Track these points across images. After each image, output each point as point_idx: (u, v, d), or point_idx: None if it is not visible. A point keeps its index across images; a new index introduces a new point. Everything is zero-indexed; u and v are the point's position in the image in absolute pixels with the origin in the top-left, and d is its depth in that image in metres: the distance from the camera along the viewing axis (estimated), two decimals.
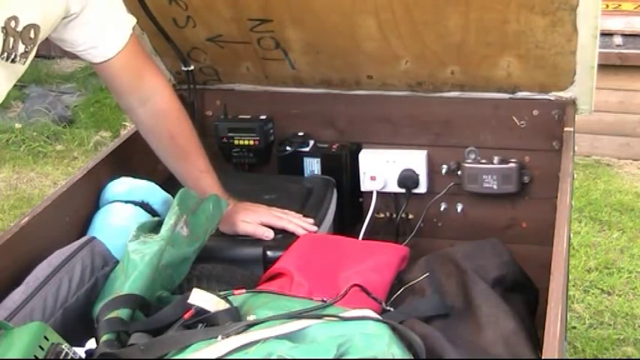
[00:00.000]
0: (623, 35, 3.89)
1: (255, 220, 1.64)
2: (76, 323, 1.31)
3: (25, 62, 1.39)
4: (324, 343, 1.11)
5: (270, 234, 1.63)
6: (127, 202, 1.58)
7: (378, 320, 1.19)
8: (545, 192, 1.80)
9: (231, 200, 1.64)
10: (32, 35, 1.38)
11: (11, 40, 1.34)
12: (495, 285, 1.38)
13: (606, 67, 3.43)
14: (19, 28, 1.35)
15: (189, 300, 1.22)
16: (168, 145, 1.63)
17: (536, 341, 1.29)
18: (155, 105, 1.59)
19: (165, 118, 1.61)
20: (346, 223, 1.94)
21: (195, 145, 1.65)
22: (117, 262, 1.41)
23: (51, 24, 1.43)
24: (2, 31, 1.32)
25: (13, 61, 1.36)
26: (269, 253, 1.57)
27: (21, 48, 1.36)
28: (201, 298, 1.22)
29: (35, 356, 1.09)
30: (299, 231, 1.63)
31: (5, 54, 1.34)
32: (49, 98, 4.81)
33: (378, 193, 1.93)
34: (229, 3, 1.77)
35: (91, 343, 1.23)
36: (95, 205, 1.60)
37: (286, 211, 1.68)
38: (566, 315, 2.00)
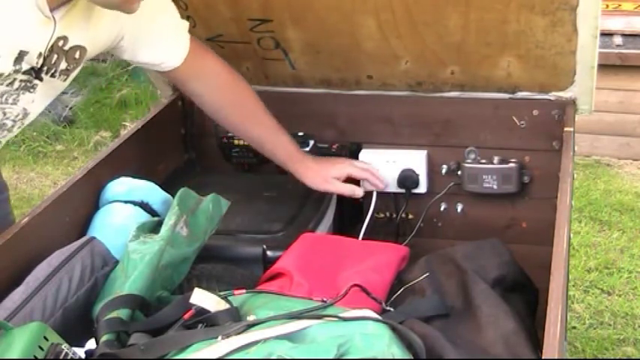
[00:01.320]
0: (623, 35, 3.89)
1: (343, 173, 1.76)
2: (76, 323, 1.31)
3: (65, 80, 1.46)
4: (324, 343, 1.11)
5: (360, 192, 1.77)
6: (126, 202, 1.58)
7: (378, 320, 1.19)
8: (545, 192, 1.80)
9: (305, 156, 1.76)
10: (77, 56, 1.43)
11: (55, 56, 1.39)
12: (495, 285, 1.38)
13: (606, 67, 3.42)
14: (66, 48, 1.40)
15: (189, 300, 1.22)
16: (241, 111, 1.73)
17: (536, 341, 1.28)
18: (220, 82, 1.70)
19: (232, 88, 1.72)
20: (346, 223, 1.94)
21: (264, 108, 1.74)
22: (117, 262, 1.41)
23: (99, 48, 1.49)
24: (48, 49, 1.36)
25: (52, 75, 1.41)
26: (269, 253, 1.57)
27: (62, 65, 1.42)
28: (201, 298, 1.22)
29: (35, 356, 1.09)
30: (379, 185, 1.80)
31: (45, 67, 1.37)
32: None
33: (378, 193, 1.93)
34: (229, 3, 1.77)
35: (91, 344, 1.23)
36: (95, 205, 1.60)
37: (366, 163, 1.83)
38: (566, 315, 2.00)
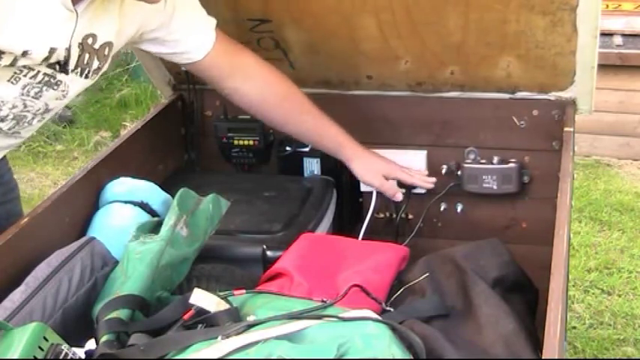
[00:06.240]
0: (623, 35, 3.88)
1: (392, 174, 1.79)
2: (76, 324, 1.31)
3: (95, 78, 1.46)
4: (324, 343, 1.11)
5: (400, 196, 1.80)
6: (126, 202, 1.58)
7: (378, 321, 1.19)
8: (545, 192, 1.80)
9: (357, 144, 1.76)
10: (106, 52, 1.44)
11: (87, 56, 1.39)
12: (495, 285, 1.38)
13: (606, 67, 3.42)
14: (97, 46, 1.40)
15: (189, 300, 1.22)
16: (285, 104, 1.71)
17: (536, 341, 1.28)
18: (259, 76, 1.68)
19: (273, 83, 1.70)
20: (346, 223, 1.94)
21: (307, 99, 1.72)
22: (116, 262, 1.41)
23: (122, 41, 1.49)
24: (79, 47, 1.36)
25: (86, 76, 1.43)
26: (269, 253, 1.57)
27: (95, 64, 1.42)
28: (201, 299, 1.22)
29: (35, 357, 1.09)
30: (429, 186, 1.83)
31: (79, 69, 1.39)
32: None
33: (377, 193, 1.92)
34: (229, 3, 1.77)
35: (91, 344, 1.23)
36: (95, 205, 1.60)
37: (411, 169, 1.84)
38: (566, 315, 2.00)
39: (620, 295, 2.83)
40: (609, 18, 3.90)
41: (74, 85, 1.42)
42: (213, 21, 1.63)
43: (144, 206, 1.58)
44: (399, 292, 1.42)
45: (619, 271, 2.97)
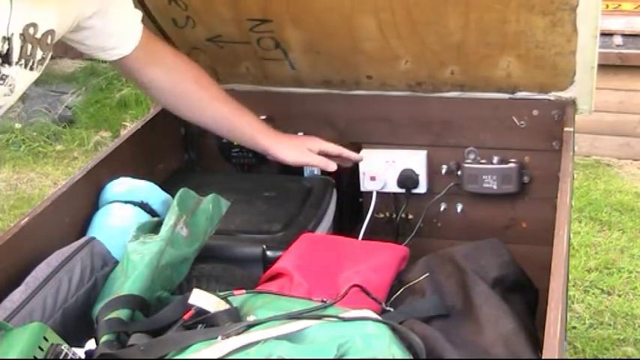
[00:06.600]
0: (623, 35, 3.89)
1: (316, 146, 1.74)
2: (76, 324, 1.31)
3: (40, 69, 1.41)
4: (324, 343, 1.11)
5: (334, 166, 1.74)
6: (126, 202, 1.58)
7: (378, 321, 1.19)
8: (545, 192, 1.80)
9: (275, 130, 1.73)
10: (49, 41, 1.39)
11: (29, 46, 1.35)
12: (495, 285, 1.38)
13: (606, 67, 3.43)
14: (38, 35, 1.36)
15: (189, 300, 1.22)
16: (198, 90, 1.67)
17: (536, 341, 1.28)
18: (174, 67, 1.65)
19: (186, 72, 1.67)
20: (346, 223, 1.94)
21: (221, 89, 1.71)
22: (116, 262, 1.41)
23: (64, 29, 1.44)
24: (20, 38, 1.32)
25: (31, 68, 1.38)
26: (269, 253, 1.57)
27: (39, 55, 1.38)
28: (201, 299, 1.22)
29: (35, 357, 1.09)
30: (355, 158, 1.80)
31: (23, 60, 1.35)
32: (49, 98, 4.81)
33: (377, 193, 1.93)
34: (229, 3, 1.77)
35: (91, 344, 1.23)
36: (95, 206, 1.60)
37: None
38: (566, 315, 2.00)
39: (620, 295, 2.83)
40: (609, 18, 3.90)
41: (20, 78, 1.37)
42: (139, 13, 1.61)
43: (144, 206, 1.58)
44: (399, 292, 1.42)
45: (619, 271, 2.97)
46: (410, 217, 1.96)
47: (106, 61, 1.71)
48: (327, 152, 1.76)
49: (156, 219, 1.51)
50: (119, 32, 1.56)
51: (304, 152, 1.74)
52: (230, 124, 1.71)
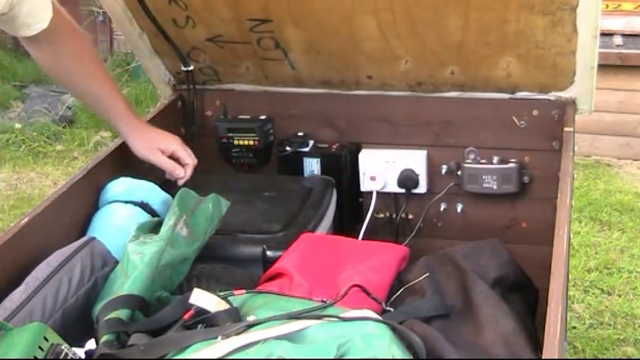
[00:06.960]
0: (623, 35, 3.89)
1: (169, 148, 1.71)
2: (76, 324, 1.31)
3: None
4: (325, 343, 1.11)
5: (181, 173, 1.70)
6: (126, 202, 1.58)
7: (378, 321, 1.19)
8: (545, 192, 1.80)
9: (139, 121, 1.70)
10: None
11: None
12: (495, 285, 1.38)
13: (606, 67, 3.43)
14: None
15: (189, 300, 1.22)
16: (78, 65, 1.63)
17: (536, 341, 1.28)
18: (66, 37, 1.60)
19: (73, 43, 1.62)
20: (346, 223, 1.94)
21: (102, 67, 1.69)
22: (116, 262, 1.41)
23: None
24: None
25: None
26: (269, 253, 1.57)
27: None
28: (201, 299, 1.22)
29: (35, 357, 1.09)
30: (187, 172, 1.71)
31: None
32: (49, 98, 4.82)
33: (377, 193, 1.93)
34: (229, 3, 1.77)
35: (91, 344, 1.23)
36: (95, 205, 1.60)
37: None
38: (566, 315, 2.00)
39: (620, 295, 2.83)
40: (609, 18, 3.90)
41: None
42: None
43: (144, 206, 1.58)
44: (399, 292, 1.42)
45: (619, 271, 2.97)
46: (410, 217, 1.96)
47: (106, 61, 1.69)
48: (178, 159, 1.73)
49: (156, 219, 1.51)
50: (44, 7, 1.52)
51: (153, 151, 1.70)
52: (99, 103, 1.70)
